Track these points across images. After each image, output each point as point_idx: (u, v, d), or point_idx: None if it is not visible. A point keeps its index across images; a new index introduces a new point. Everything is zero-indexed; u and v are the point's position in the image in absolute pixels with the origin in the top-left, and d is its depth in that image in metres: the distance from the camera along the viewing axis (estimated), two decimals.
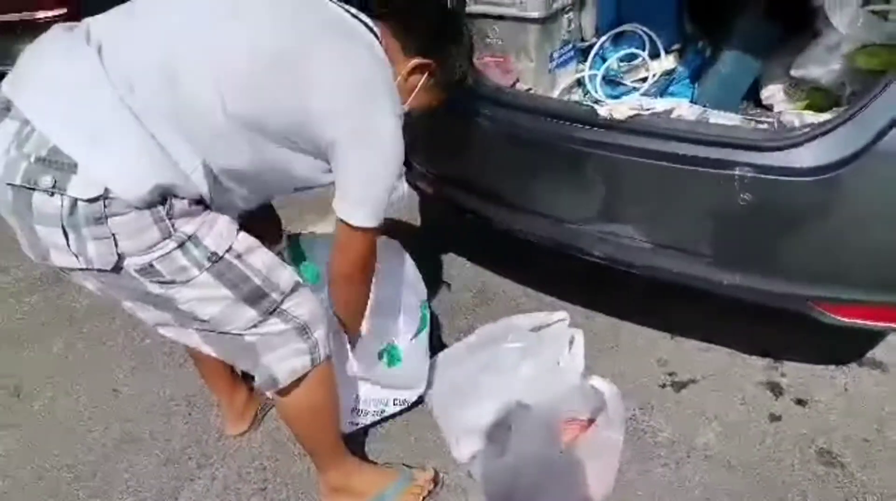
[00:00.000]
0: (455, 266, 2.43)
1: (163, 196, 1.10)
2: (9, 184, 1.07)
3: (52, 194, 1.05)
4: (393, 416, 1.78)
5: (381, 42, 1.31)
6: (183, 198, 1.13)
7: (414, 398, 1.77)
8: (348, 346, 1.54)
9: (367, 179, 1.27)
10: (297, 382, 1.36)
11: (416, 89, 1.38)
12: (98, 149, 1.06)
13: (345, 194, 1.27)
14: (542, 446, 1.45)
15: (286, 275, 1.29)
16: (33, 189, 1.05)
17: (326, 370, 1.40)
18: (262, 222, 1.48)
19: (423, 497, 1.59)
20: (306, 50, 1.19)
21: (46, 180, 1.04)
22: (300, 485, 1.65)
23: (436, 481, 1.63)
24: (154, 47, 1.13)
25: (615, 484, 1.57)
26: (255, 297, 1.23)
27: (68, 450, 1.81)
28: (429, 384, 1.78)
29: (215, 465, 1.74)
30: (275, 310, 1.26)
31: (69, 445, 1.83)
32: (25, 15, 3.28)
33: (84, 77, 1.09)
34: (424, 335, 1.73)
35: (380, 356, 1.65)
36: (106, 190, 1.04)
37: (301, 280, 1.33)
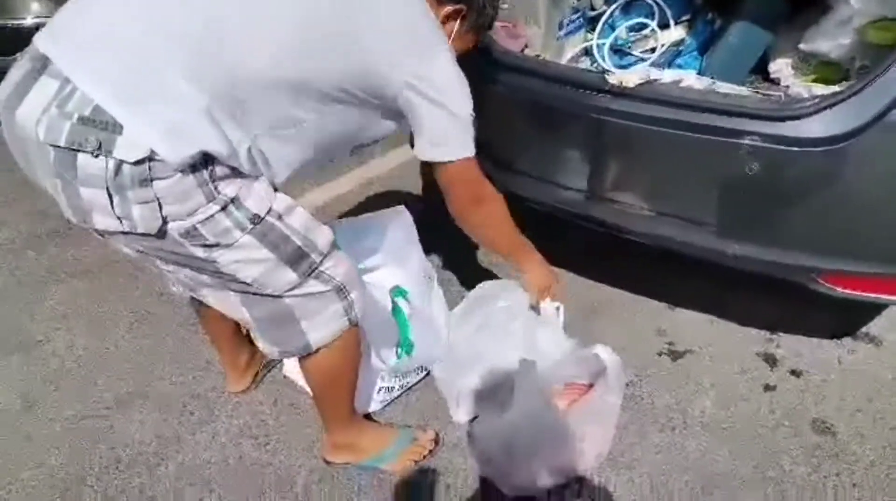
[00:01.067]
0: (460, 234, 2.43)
1: (206, 160, 1.08)
2: (52, 145, 1.03)
3: (97, 156, 1.02)
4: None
5: None
6: (227, 166, 1.12)
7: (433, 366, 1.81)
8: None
9: (446, 113, 1.25)
10: (329, 344, 1.36)
11: (452, 36, 1.36)
12: (144, 111, 1.03)
13: (428, 137, 1.27)
14: (541, 406, 1.47)
15: (324, 234, 1.28)
16: (78, 150, 1.02)
17: (355, 333, 1.41)
18: None
19: (424, 457, 1.61)
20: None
21: (91, 141, 1.01)
22: (301, 441, 1.68)
23: (437, 441, 1.65)
24: (200, 7, 1.09)
25: (612, 447, 1.60)
26: (295, 258, 1.22)
27: (69, 404, 1.83)
28: None
29: (217, 420, 1.75)
30: (313, 271, 1.26)
31: (70, 398, 1.84)
32: None
33: (130, 35, 1.06)
34: (435, 311, 1.75)
35: (397, 355, 1.66)
36: (151, 152, 1.02)
37: (336, 242, 1.32)
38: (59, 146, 1.03)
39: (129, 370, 1.93)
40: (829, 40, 1.76)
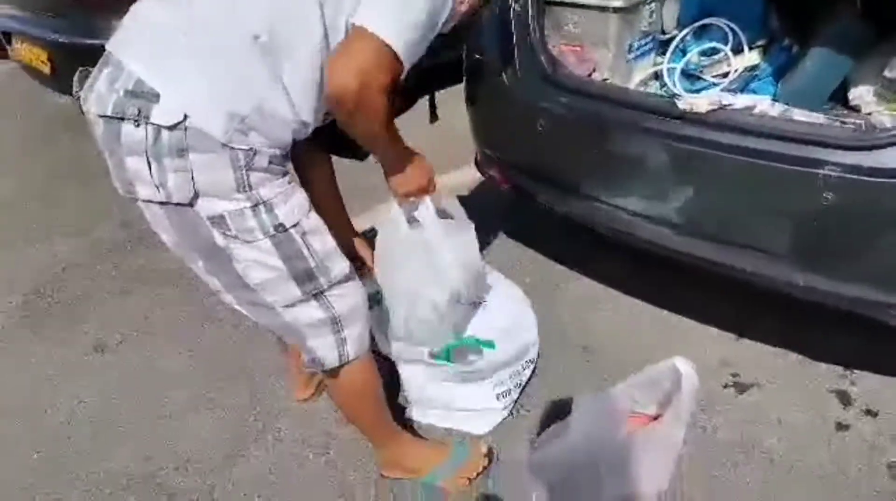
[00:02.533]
0: (515, 255, 2.45)
1: (241, 134, 1.15)
2: (100, 115, 1.15)
3: (138, 125, 1.12)
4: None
5: None
6: (263, 148, 1.18)
7: (535, 351, 1.83)
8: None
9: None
10: (336, 371, 1.42)
11: None
12: (175, 79, 1.13)
13: (370, 5, 1.18)
14: (604, 430, 1.45)
15: (340, 264, 1.33)
16: (122, 119, 1.13)
17: (365, 367, 1.45)
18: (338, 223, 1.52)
19: (478, 473, 1.62)
20: None
21: (132, 110, 1.12)
22: (361, 453, 1.71)
23: (490, 457, 1.65)
24: None
25: (671, 479, 1.56)
26: (304, 276, 1.27)
27: (140, 407, 1.93)
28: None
29: (280, 428, 1.81)
30: (317, 294, 1.30)
31: (141, 402, 1.94)
32: None
33: (165, 15, 1.18)
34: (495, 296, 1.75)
35: (477, 351, 1.67)
36: (185, 116, 1.10)
37: (353, 274, 1.36)
38: (106, 116, 1.14)
39: (200, 375, 2.02)
40: None
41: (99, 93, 1.17)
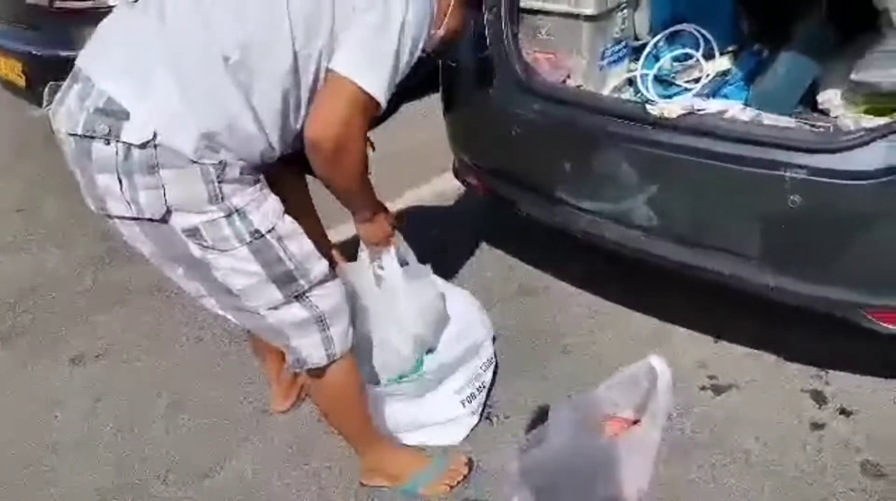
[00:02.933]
0: (496, 261, 2.46)
1: (213, 153, 1.15)
2: (70, 134, 1.16)
3: (108, 142, 1.12)
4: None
5: None
6: (233, 161, 1.18)
7: (491, 350, 1.84)
8: None
9: (370, 33, 1.19)
10: (320, 372, 1.42)
11: (450, 8, 1.38)
12: (145, 97, 1.13)
13: (342, 47, 1.19)
14: (585, 435, 1.46)
15: (319, 266, 1.33)
16: (92, 138, 1.13)
17: (347, 364, 1.45)
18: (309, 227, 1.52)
19: (458, 482, 1.62)
20: None
21: (103, 128, 1.12)
22: (342, 461, 1.70)
23: (470, 466, 1.65)
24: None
25: (651, 481, 1.57)
26: (283, 279, 1.28)
27: (119, 418, 1.91)
28: None
29: (260, 438, 1.81)
30: (299, 296, 1.31)
31: (120, 414, 1.93)
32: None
33: (136, 31, 1.19)
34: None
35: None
36: (154, 134, 1.11)
37: (332, 273, 1.37)
38: (76, 135, 1.15)
39: (180, 386, 2.01)
40: (882, 70, 1.71)
41: (69, 110, 1.17)
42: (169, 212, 1.17)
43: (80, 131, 1.14)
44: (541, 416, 1.71)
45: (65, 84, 1.21)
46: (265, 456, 1.75)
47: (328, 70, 1.20)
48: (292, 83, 1.21)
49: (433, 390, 1.71)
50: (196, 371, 2.06)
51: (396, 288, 1.60)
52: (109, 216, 1.23)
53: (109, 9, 1.33)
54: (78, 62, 1.20)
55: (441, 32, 1.38)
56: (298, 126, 1.28)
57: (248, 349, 1.97)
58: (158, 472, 1.73)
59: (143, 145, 1.11)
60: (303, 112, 1.26)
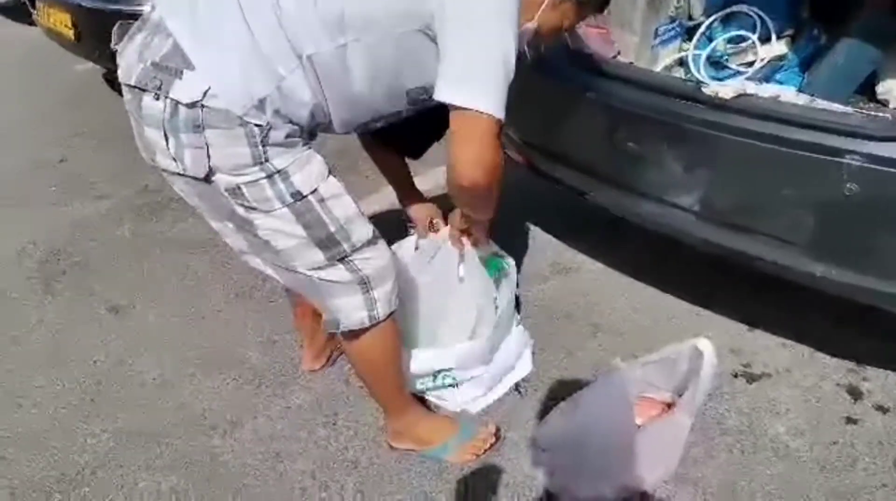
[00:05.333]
0: (534, 235, 2.45)
1: (260, 113, 1.14)
2: (126, 84, 1.18)
3: (157, 97, 1.13)
4: None
5: None
6: (281, 124, 1.17)
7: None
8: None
9: (474, 47, 1.12)
10: (359, 333, 1.41)
11: (545, 3, 1.28)
12: (205, 52, 1.12)
13: (447, 69, 1.13)
14: (616, 413, 1.45)
15: (363, 229, 1.31)
16: (144, 90, 1.14)
17: (388, 328, 1.44)
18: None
19: (485, 451, 1.63)
20: None
21: (154, 83, 1.12)
22: (368, 422, 1.73)
23: (497, 436, 1.66)
24: None
25: (678, 464, 1.57)
26: (326, 242, 1.27)
27: (150, 369, 1.95)
28: None
29: (290, 395, 1.83)
30: (343, 259, 1.30)
31: (152, 364, 1.97)
32: None
33: None
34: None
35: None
36: (204, 94, 1.10)
37: (377, 237, 1.35)
38: (130, 86, 1.16)
39: (212, 341, 2.04)
40: None
41: (128, 61, 1.18)
42: (212, 172, 1.17)
43: (133, 82, 1.16)
44: (570, 390, 1.71)
45: (134, 26, 1.21)
46: (293, 413, 1.78)
47: (449, 105, 1.14)
48: (366, 61, 1.18)
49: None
50: (229, 327, 2.09)
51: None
52: (159, 168, 1.25)
53: None
54: (156, 3, 1.20)
55: (532, 26, 1.28)
56: (372, 110, 1.29)
57: (283, 307, 1.99)
58: (185, 422, 1.77)
59: (191, 104, 1.11)
60: (379, 95, 1.25)
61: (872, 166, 1.36)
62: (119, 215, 2.72)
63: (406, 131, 1.53)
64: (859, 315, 1.63)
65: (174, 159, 1.18)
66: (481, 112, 1.12)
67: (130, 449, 1.70)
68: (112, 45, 1.24)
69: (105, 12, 2.93)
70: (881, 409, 1.72)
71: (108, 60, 3.52)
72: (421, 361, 1.67)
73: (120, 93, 1.24)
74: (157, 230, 2.60)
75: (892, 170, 1.34)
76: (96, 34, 3.07)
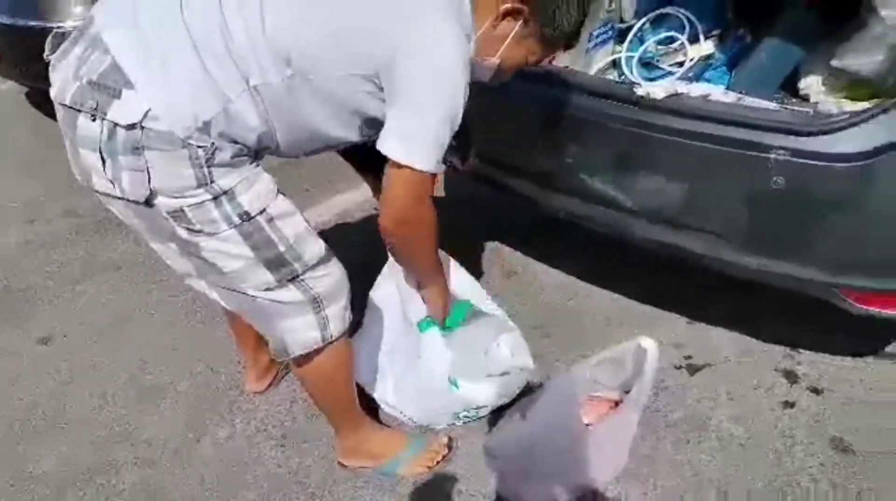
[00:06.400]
0: (481, 241, 2.45)
1: (204, 135, 1.10)
2: (60, 103, 1.12)
3: (94, 118, 1.08)
4: None
5: None
6: (227, 144, 1.13)
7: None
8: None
9: (419, 108, 1.14)
10: (310, 354, 1.37)
11: (509, 38, 1.25)
12: (147, 71, 1.07)
13: (391, 122, 1.16)
14: (565, 422, 1.45)
15: (313, 247, 1.28)
16: (78, 111, 1.09)
17: (341, 346, 1.40)
18: None
19: (437, 462, 1.61)
20: None
21: (90, 103, 1.07)
22: (318, 442, 1.69)
23: (449, 447, 1.65)
24: None
25: (628, 460, 1.59)
26: (275, 263, 1.23)
27: (88, 399, 1.87)
28: None
29: (236, 418, 1.78)
30: (294, 278, 1.26)
31: (89, 395, 1.88)
32: None
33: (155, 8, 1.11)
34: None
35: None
36: (145, 114, 1.05)
37: (329, 254, 1.31)
38: (65, 105, 1.11)
39: (151, 366, 1.97)
40: (861, 57, 1.75)
41: (63, 78, 1.11)
42: (153, 195, 1.12)
43: (67, 102, 1.10)
44: (521, 394, 1.72)
45: (69, 39, 1.14)
46: (240, 437, 1.73)
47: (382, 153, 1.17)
48: (310, 93, 1.16)
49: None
50: (167, 352, 2.02)
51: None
52: (95, 191, 1.19)
53: None
54: (94, 14, 1.13)
55: (494, 61, 1.27)
56: (323, 138, 1.26)
57: (224, 329, 1.93)
58: (129, 453, 1.70)
59: (130, 126, 1.06)
60: (330, 125, 1.23)
61: (797, 160, 1.41)
62: (45, 241, 2.59)
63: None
64: (792, 302, 1.69)
65: (112, 182, 1.12)
66: (410, 166, 1.15)
67: (70, 486, 1.62)
68: (45, 55, 1.17)
69: (26, 29, 2.80)
70: (815, 390, 1.79)
71: (31, 79, 3.41)
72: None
73: (44, 112, 1.19)
74: (84, 254, 2.48)
75: (815, 163, 1.40)
76: (17, 52, 2.94)
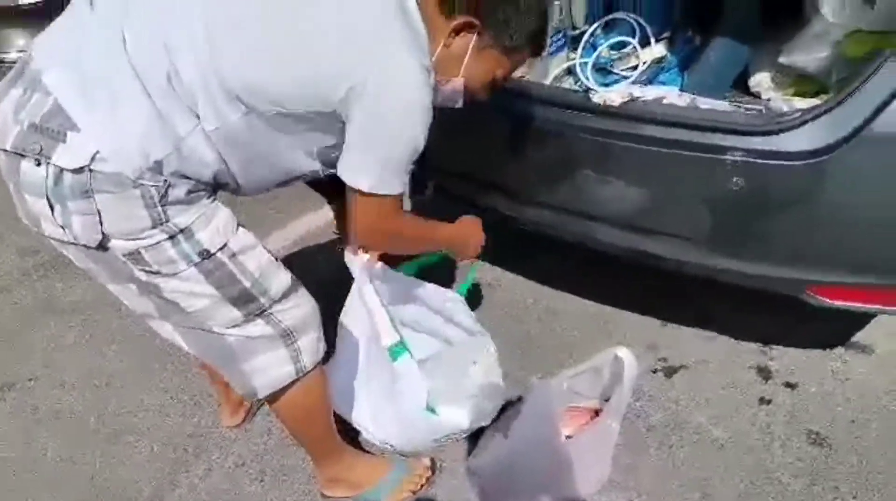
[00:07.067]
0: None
1: (156, 174, 1.06)
2: (0, 149, 1.07)
3: (39, 163, 1.03)
4: None
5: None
6: (181, 182, 1.09)
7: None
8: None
9: (382, 143, 1.13)
10: (286, 388, 1.33)
11: (468, 54, 1.21)
12: (93, 112, 1.03)
13: (352, 156, 1.14)
14: (544, 429, 1.45)
15: (279, 280, 1.24)
16: (22, 156, 1.04)
17: (315, 379, 1.37)
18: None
19: (421, 486, 1.59)
20: None
21: (34, 147, 1.02)
22: (298, 475, 1.66)
23: (433, 469, 1.63)
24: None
25: (611, 468, 1.59)
26: (241, 299, 1.19)
27: (58, 446, 1.80)
28: None
29: (212, 455, 1.73)
30: (261, 313, 1.23)
31: (59, 441, 1.81)
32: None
33: (95, 46, 1.07)
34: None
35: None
36: (92, 158, 1.02)
37: (296, 284, 1.28)
38: (5, 150, 1.06)
39: (121, 408, 1.90)
40: (807, 54, 1.78)
41: (2, 121, 1.06)
42: (106, 238, 1.08)
43: (8, 147, 1.05)
44: (501, 410, 1.70)
45: (7, 77, 1.09)
46: (217, 474, 1.68)
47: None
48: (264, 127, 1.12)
49: None
50: (136, 392, 1.95)
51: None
52: (45, 236, 1.14)
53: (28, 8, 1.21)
54: (32, 52, 1.08)
55: (460, 81, 1.23)
56: (282, 172, 1.24)
57: (194, 365, 1.88)
58: (102, 499, 1.64)
59: (77, 170, 1.02)
60: (287, 158, 1.20)
61: (754, 160, 1.43)
62: (9, 280, 2.50)
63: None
64: (762, 300, 1.72)
65: (62, 228, 1.08)
66: (370, 192, 1.15)
67: None
68: None
69: None
70: (789, 385, 1.81)
71: None
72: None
73: None
74: (40, 296, 2.39)
75: (771, 162, 1.42)
76: None
